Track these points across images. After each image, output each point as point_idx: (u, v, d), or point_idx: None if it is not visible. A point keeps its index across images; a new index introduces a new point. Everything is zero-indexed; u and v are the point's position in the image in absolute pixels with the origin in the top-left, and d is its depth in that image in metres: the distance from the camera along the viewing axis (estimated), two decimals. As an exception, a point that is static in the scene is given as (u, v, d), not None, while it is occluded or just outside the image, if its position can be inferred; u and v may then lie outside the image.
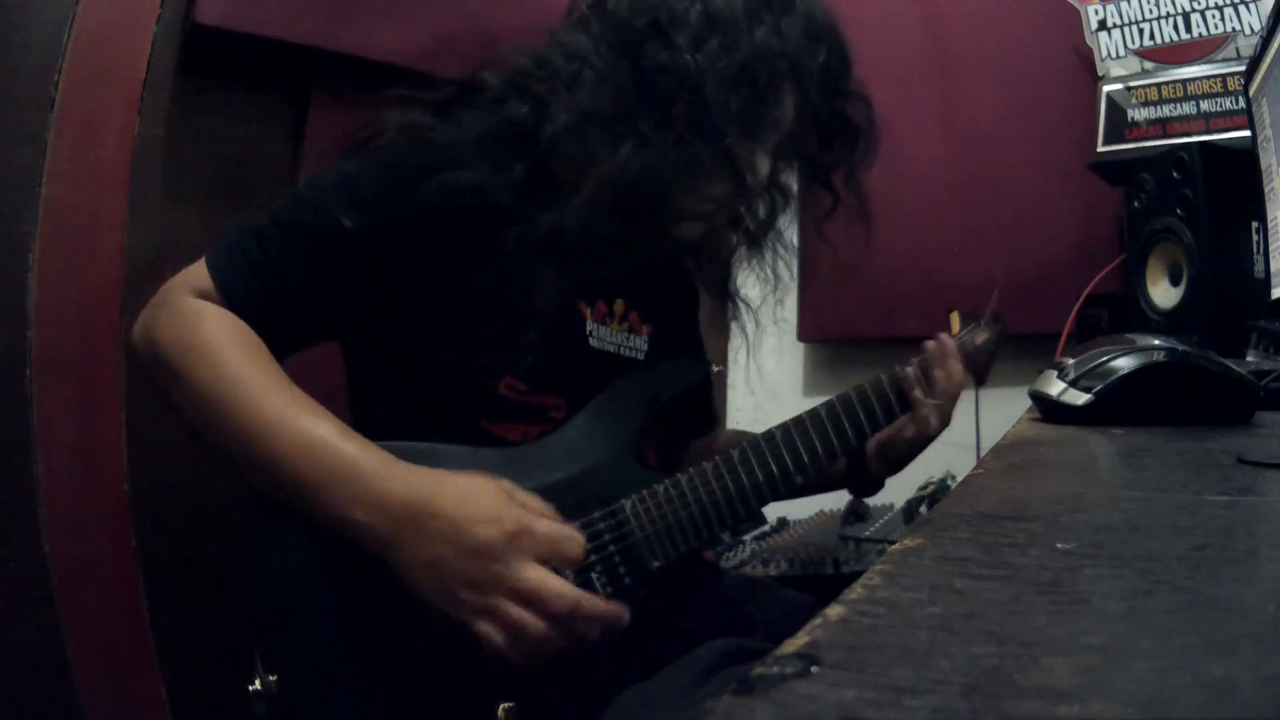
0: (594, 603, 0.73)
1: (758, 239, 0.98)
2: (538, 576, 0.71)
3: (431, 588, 0.72)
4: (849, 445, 0.95)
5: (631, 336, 0.98)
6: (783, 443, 0.92)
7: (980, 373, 1.13)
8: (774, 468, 0.91)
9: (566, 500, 0.83)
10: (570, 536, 0.75)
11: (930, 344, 0.99)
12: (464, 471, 0.77)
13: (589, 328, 0.94)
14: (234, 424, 0.76)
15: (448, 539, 0.71)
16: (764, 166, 0.91)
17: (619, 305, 0.97)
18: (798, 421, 0.93)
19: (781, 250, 1.03)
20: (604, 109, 0.84)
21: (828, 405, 0.95)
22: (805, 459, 0.92)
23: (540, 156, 0.86)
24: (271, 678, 0.76)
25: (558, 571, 0.73)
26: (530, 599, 0.71)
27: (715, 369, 1.00)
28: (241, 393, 0.76)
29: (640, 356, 0.99)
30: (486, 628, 0.71)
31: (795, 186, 1.02)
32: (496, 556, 0.71)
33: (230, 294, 0.81)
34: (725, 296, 1.06)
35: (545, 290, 0.83)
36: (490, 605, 0.71)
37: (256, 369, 0.78)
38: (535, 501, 0.77)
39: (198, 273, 0.83)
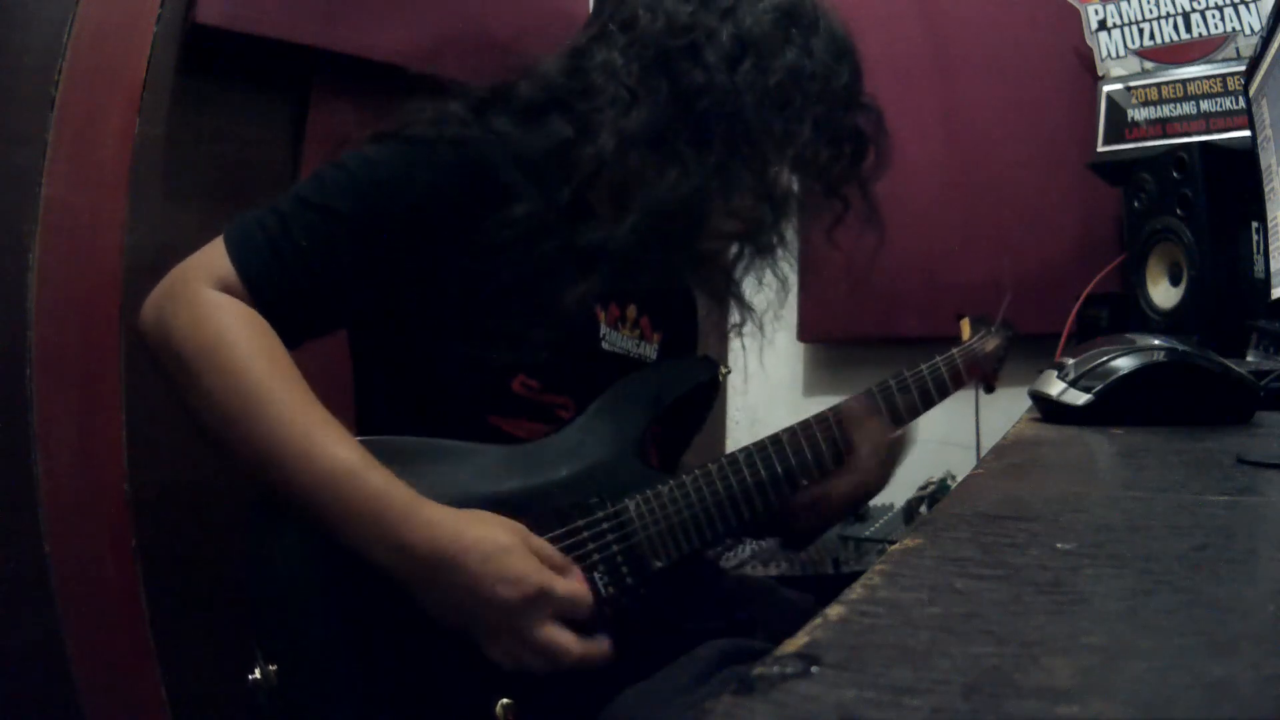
0: (593, 652, 0.76)
1: (771, 247, 0.98)
2: (551, 635, 0.74)
3: (450, 623, 0.74)
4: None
5: (642, 343, 0.98)
6: (788, 444, 0.92)
7: (989, 379, 1.13)
8: (779, 469, 0.91)
9: (570, 498, 0.83)
10: (584, 598, 0.77)
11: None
12: (486, 516, 0.76)
13: (603, 331, 0.94)
14: (252, 440, 0.73)
15: (470, 591, 0.72)
16: (785, 180, 0.91)
17: (631, 311, 0.97)
18: (804, 425, 0.94)
19: (784, 252, 1.03)
20: (645, 130, 0.83)
21: (836, 408, 0.95)
22: (810, 461, 0.92)
23: (583, 176, 0.85)
24: (271, 668, 0.76)
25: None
26: (542, 653, 0.74)
27: (724, 370, 1.00)
28: (263, 409, 0.73)
29: (650, 362, 0.99)
30: (497, 655, 0.74)
31: (797, 189, 1.02)
32: (516, 613, 0.73)
33: (251, 280, 0.78)
34: (733, 303, 1.05)
35: (571, 297, 0.83)
36: (504, 647, 0.74)
37: (279, 381, 0.75)
38: (553, 553, 0.77)
39: (215, 258, 0.79)
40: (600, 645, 0.76)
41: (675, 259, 0.90)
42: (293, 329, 0.80)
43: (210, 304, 0.77)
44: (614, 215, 0.85)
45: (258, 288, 0.78)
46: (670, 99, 0.84)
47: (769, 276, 1.02)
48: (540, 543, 0.77)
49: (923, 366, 1.01)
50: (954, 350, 1.05)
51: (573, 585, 0.76)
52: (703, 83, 0.83)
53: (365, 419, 0.92)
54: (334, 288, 0.82)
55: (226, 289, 0.78)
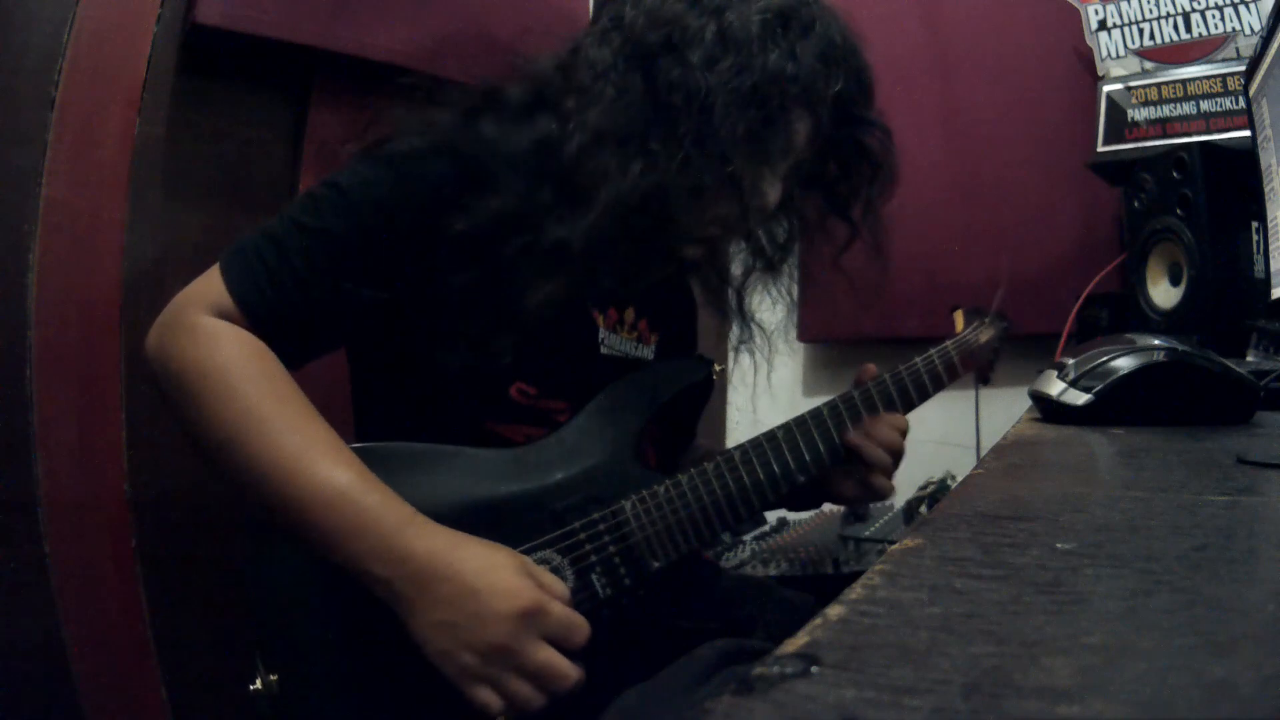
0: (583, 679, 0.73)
1: (775, 264, 0.97)
2: (546, 656, 0.71)
3: (437, 648, 0.71)
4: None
5: (640, 345, 0.98)
6: (784, 441, 0.92)
7: (985, 370, 1.13)
8: (775, 467, 0.91)
9: (566, 501, 0.83)
10: (580, 624, 0.74)
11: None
12: (486, 542, 0.75)
13: (601, 335, 0.94)
14: (251, 462, 0.74)
15: (463, 605, 0.71)
16: (773, 191, 0.89)
17: (629, 313, 0.97)
18: (799, 421, 0.94)
19: (795, 273, 1.02)
20: (617, 126, 0.83)
21: (830, 404, 0.95)
22: (807, 459, 0.92)
23: (563, 172, 0.85)
24: (272, 677, 0.76)
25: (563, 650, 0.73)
26: (535, 677, 0.71)
27: (718, 368, 1.00)
28: (261, 430, 0.74)
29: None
30: (486, 696, 0.71)
31: (804, 206, 1.01)
32: (509, 630, 0.71)
33: (248, 307, 0.79)
34: (739, 319, 1.03)
35: (552, 297, 0.82)
36: (494, 676, 0.71)
37: (277, 402, 0.76)
38: (551, 580, 0.76)
39: (212, 285, 0.79)
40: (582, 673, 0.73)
41: (644, 257, 0.89)
42: (293, 351, 0.81)
43: (208, 330, 0.77)
44: (583, 211, 0.84)
45: (255, 314, 0.79)
46: (643, 94, 0.83)
47: (777, 294, 1.01)
48: (539, 569, 0.76)
49: (917, 360, 1.00)
50: (948, 342, 1.05)
51: (570, 611, 0.74)
52: (676, 79, 0.82)
53: (363, 425, 0.92)
54: (332, 309, 0.83)
55: (225, 316, 0.79)
